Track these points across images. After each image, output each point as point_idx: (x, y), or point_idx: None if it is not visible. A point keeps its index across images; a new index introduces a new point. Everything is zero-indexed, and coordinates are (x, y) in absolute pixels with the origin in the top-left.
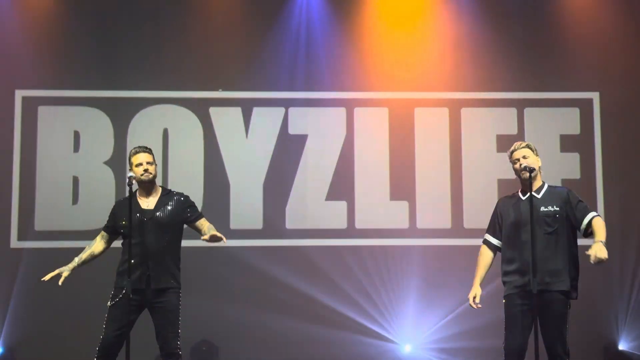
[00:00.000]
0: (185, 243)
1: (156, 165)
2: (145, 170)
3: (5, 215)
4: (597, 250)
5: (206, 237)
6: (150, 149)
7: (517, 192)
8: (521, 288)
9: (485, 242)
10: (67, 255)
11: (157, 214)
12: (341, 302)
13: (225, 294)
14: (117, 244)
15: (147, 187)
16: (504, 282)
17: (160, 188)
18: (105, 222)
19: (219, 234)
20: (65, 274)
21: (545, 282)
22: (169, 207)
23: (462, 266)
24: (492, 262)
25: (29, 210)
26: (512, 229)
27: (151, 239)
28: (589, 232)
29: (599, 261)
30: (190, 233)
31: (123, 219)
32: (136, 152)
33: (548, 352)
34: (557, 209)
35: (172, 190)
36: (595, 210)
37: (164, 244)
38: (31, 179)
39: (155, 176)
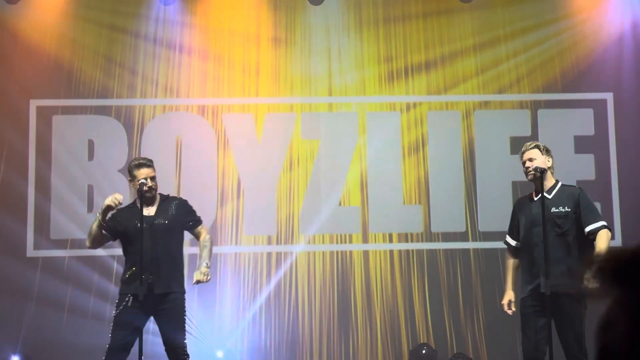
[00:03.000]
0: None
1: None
2: (150, 187)
3: (21, 224)
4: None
5: (194, 281)
6: (152, 161)
7: (532, 192)
8: (534, 290)
9: (505, 243)
10: (83, 263)
11: (158, 220)
12: (356, 307)
13: (241, 299)
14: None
15: (150, 199)
16: (521, 285)
17: (159, 194)
18: (106, 218)
19: (202, 278)
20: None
21: (557, 285)
22: (169, 213)
23: (478, 269)
24: (518, 263)
25: (44, 220)
26: (525, 231)
27: (152, 244)
28: (591, 239)
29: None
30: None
31: (124, 225)
32: (140, 166)
33: (565, 352)
34: (569, 210)
35: (169, 195)
36: (611, 211)
37: (165, 250)
38: (46, 188)
39: (157, 189)
